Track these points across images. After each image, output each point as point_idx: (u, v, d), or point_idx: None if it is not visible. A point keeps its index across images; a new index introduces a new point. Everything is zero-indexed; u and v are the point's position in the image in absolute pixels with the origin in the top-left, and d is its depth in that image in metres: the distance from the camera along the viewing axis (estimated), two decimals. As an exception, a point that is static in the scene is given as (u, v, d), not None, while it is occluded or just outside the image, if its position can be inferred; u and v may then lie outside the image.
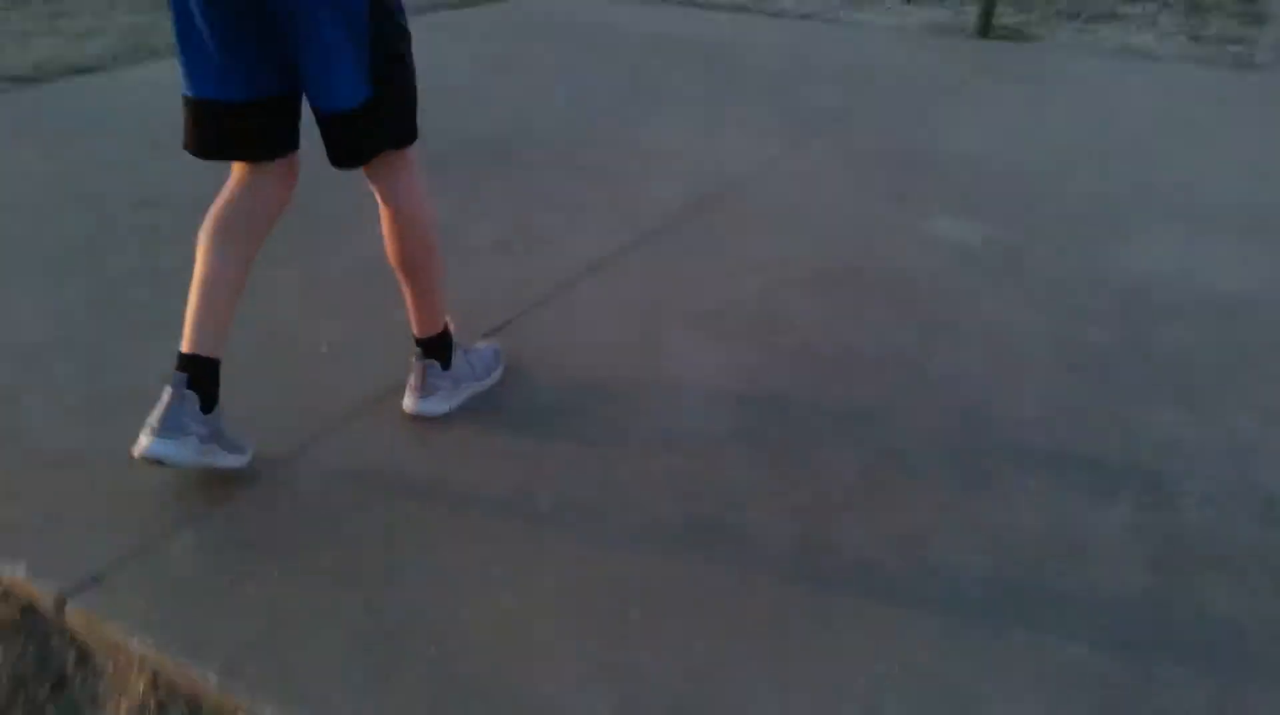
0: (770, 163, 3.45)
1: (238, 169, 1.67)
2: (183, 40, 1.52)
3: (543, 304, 2.35)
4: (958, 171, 3.41)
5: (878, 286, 2.50)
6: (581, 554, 1.49)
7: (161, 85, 4.19)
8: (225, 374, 1.62)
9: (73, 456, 1.70)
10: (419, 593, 1.40)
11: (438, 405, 1.90)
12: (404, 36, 1.62)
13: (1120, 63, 5.25)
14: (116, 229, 2.73)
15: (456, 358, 1.93)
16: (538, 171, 3.29)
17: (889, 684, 1.25)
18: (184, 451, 1.56)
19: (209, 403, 1.61)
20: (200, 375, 1.60)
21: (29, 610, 1.38)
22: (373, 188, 1.72)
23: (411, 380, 1.90)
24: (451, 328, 1.94)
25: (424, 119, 1.68)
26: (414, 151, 1.70)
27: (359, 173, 1.68)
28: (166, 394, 1.57)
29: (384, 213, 1.73)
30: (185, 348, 1.61)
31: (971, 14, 6.09)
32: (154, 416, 1.55)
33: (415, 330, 1.89)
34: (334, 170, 1.63)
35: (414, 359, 1.90)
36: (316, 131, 1.59)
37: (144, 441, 1.54)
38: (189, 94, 1.56)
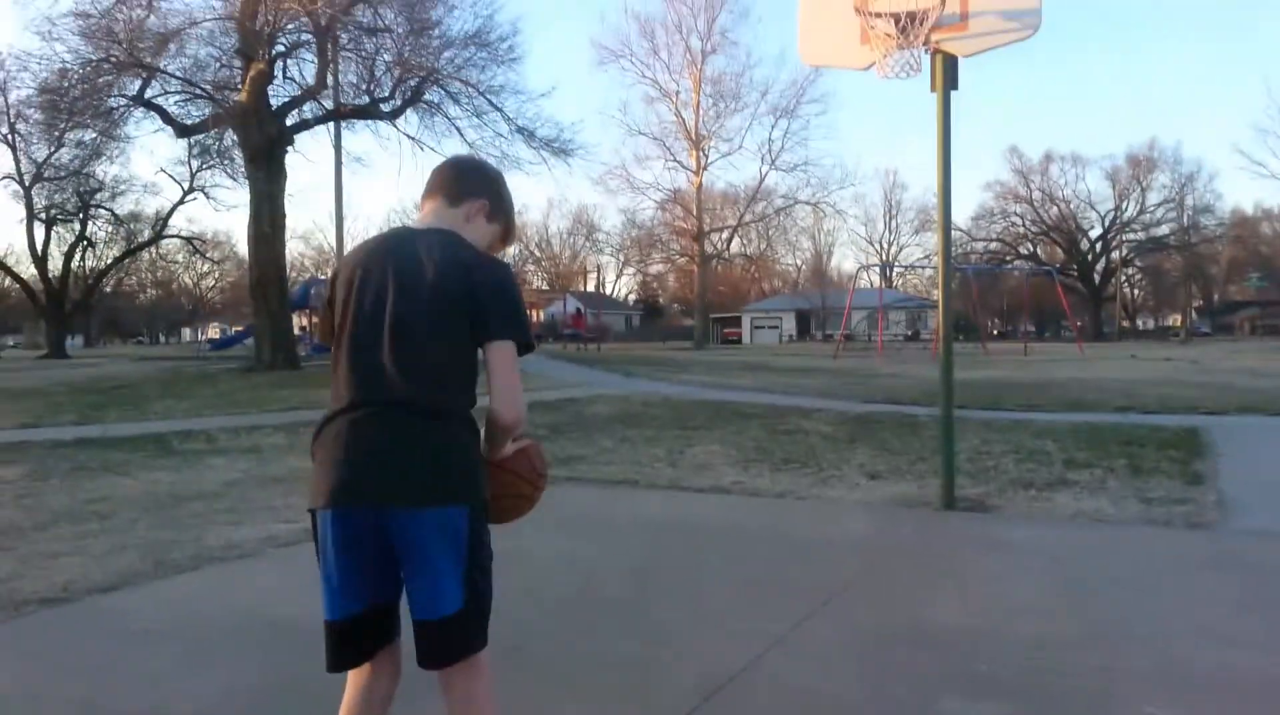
0: (777, 640, 3.55)
1: (354, 677, 2.06)
2: (324, 574, 2.01)
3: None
4: (952, 646, 3.52)
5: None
6: None
7: (179, 601, 4.35)
8: None
9: None
10: None
11: None
12: (490, 555, 2.06)
13: (1080, 529, 5.62)
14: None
15: None
16: (546, 664, 3.36)
17: None
18: None
19: None
20: None
21: None
22: (446, 694, 2.03)
23: None
24: None
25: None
26: (486, 656, 2.04)
27: None
28: None
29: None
30: None
31: (933, 487, 6.60)
32: None
33: None
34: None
35: None
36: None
37: None
38: (329, 618, 2.01)
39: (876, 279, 57.77)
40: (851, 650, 3.55)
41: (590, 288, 71.28)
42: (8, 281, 56.47)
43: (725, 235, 52.78)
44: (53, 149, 34.80)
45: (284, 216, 22.62)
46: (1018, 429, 9.96)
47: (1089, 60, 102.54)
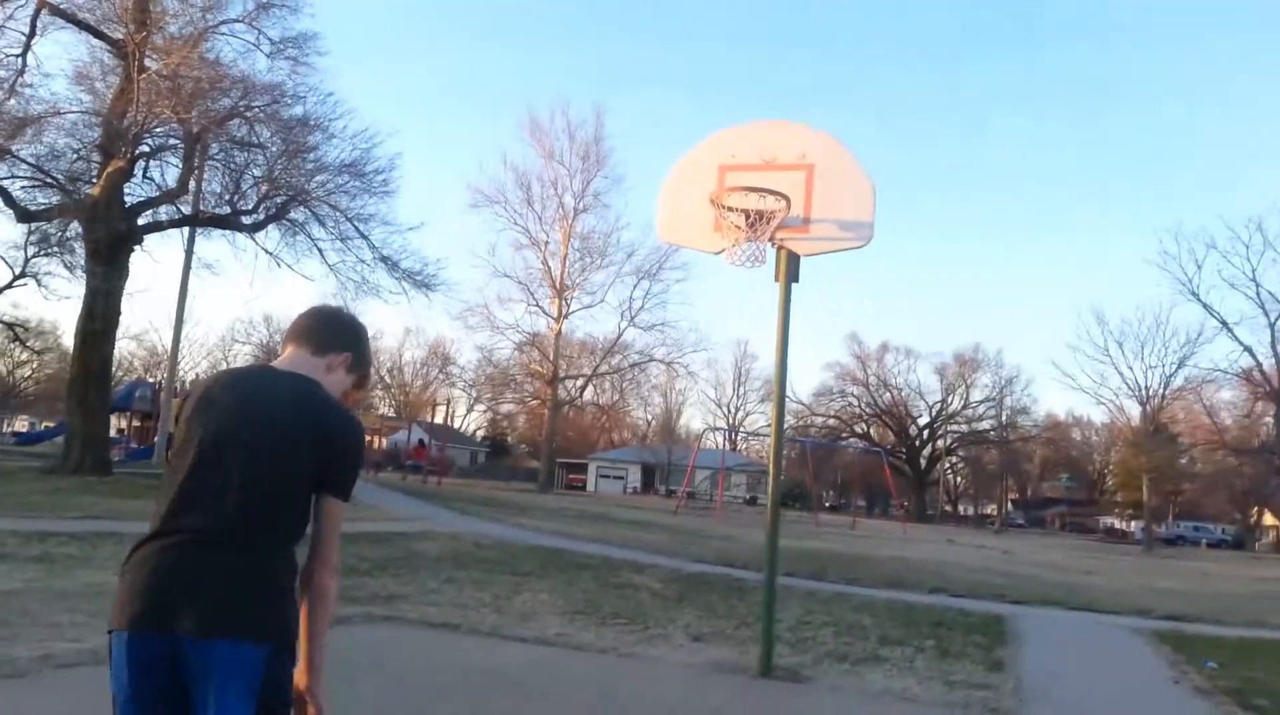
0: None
1: None
2: (115, 700, 1.95)
3: None
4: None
5: None
6: None
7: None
8: None
9: None
10: None
11: None
12: (287, 702, 2.04)
13: (885, 706, 5.79)
14: None
15: None
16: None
17: None
18: None
19: None
20: None
21: None
22: None
23: None
24: None
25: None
26: None
27: None
28: None
29: None
30: None
31: (753, 653, 6.69)
32: None
33: None
34: None
35: None
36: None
37: None
38: None
39: (721, 441, 59.31)
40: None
41: (439, 420, 70.05)
42: None
43: (580, 383, 53.29)
44: None
45: (119, 315, 21.57)
46: (839, 601, 10.25)
47: (925, 262, 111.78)
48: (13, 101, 19.71)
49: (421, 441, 45.64)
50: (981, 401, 70.68)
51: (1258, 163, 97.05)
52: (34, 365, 70.67)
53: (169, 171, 22.92)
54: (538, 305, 45.95)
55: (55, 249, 30.22)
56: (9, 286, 40.41)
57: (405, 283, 24.53)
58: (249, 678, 1.92)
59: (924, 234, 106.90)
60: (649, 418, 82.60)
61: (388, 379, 76.64)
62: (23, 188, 21.68)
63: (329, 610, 2.13)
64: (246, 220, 22.91)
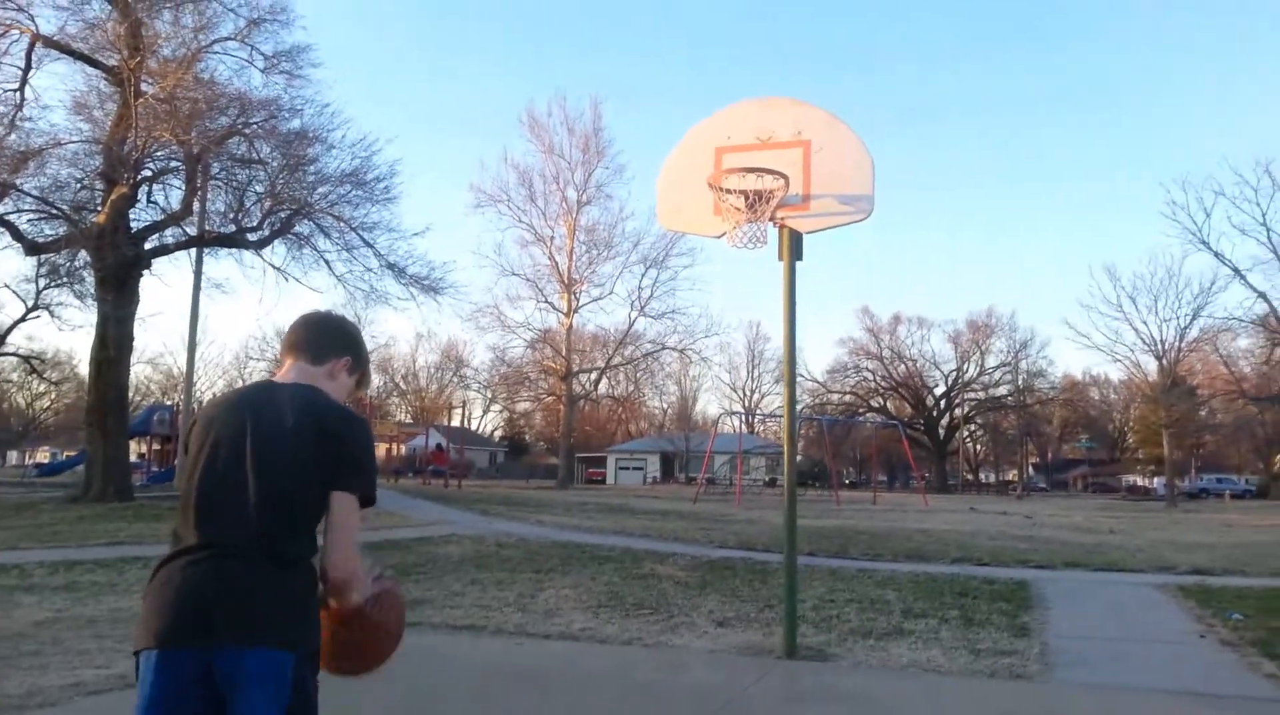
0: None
1: None
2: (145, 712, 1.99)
3: None
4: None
5: None
6: None
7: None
8: None
9: None
10: None
11: None
12: (315, 708, 2.09)
13: (913, 681, 5.81)
14: None
15: None
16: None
17: None
18: None
19: None
20: None
21: None
22: None
23: None
24: None
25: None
26: None
27: None
28: None
29: None
30: None
31: (778, 635, 6.72)
32: None
33: None
34: None
35: None
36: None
37: None
38: None
39: (738, 425, 59.30)
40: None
41: (456, 422, 70.32)
42: None
43: (594, 376, 53.39)
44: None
45: (132, 340, 21.73)
46: (862, 578, 10.28)
47: (934, 229, 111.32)
48: (13, 136, 19.85)
49: (439, 446, 45.83)
50: (997, 367, 70.49)
51: (1264, 105, 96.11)
52: (52, 396, 71.28)
53: (172, 194, 23.06)
54: (547, 301, 46.07)
55: (65, 279, 30.38)
56: (23, 319, 40.76)
57: (413, 288, 24.60)
58: (279, 684, 1.99)
59: (929, 201, 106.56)
60: (665, 407, 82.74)
61: (403, 386, 76.97)
62: (29, 221, 21.82)
63: (349, 603, 2.17)
64: (252, 237, 22.99)
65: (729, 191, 6.69)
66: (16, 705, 4.63)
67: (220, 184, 23.16)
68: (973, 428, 75.04)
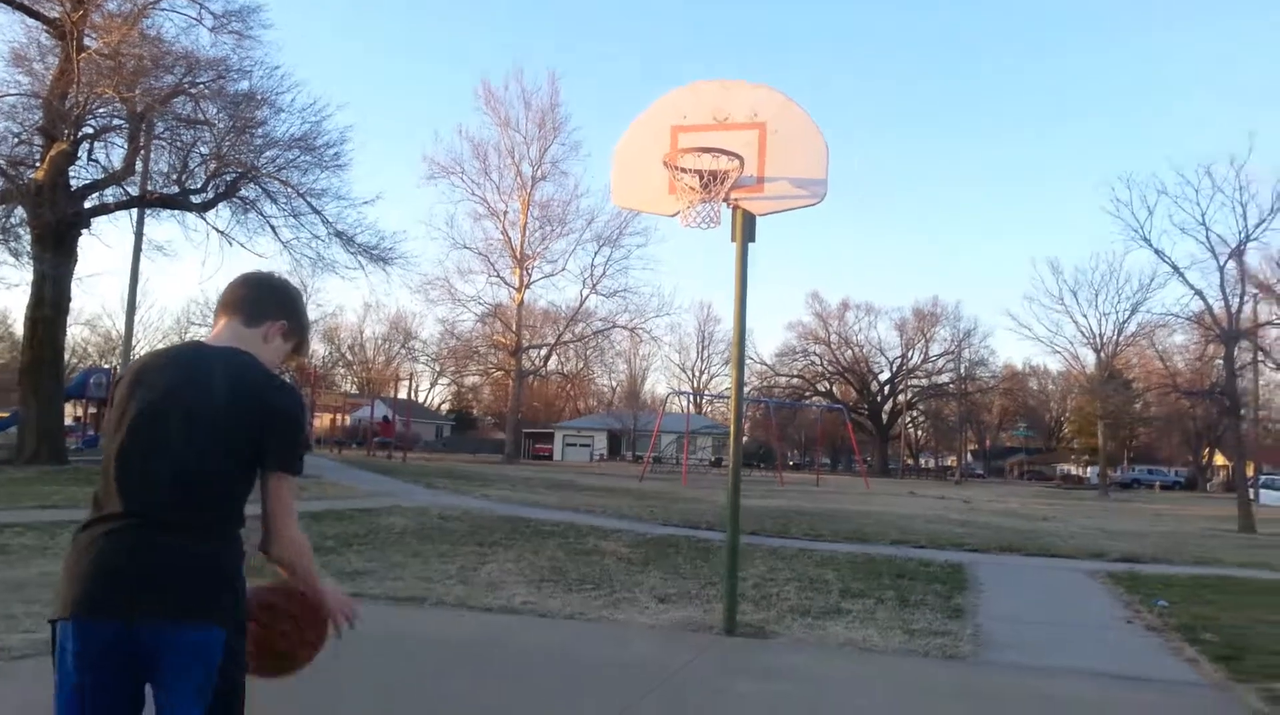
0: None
1: None
2: (59, 689, 1.92)
3: None
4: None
5: None
6: None
7: None
8: None
9: None
10: None
11: None
12: (242, 684, 2.06)
13: (847, 658, 5.92)
14: None
15: None
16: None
17: None
18: None
19: None
20: None
21: None
22: None
23: None
24: None
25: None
26: None
27: None
28: None
29: None
30: None
31: (718, 612, 6.80)
32: None
33: None
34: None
35: None
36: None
37: None
38: None
39: (686, 405, 59.54)
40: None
41: (403, 395, 69.62)
42: None
43: (543, 352, 53.22)
44: None
45: (69, 300, 21.10)
46: (802, 557, 10.42)
47: (883, 219, 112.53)
48: (-53, 89, 19.09)
49: (386, 417, 45.35)
50: (941, 355, 71.63)
51: (1211, 106, 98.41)
52: (-16, 355, 69.08)
53: (114, 152, 22.33)
54: (499, 276, 45.72)
55: (0, 236, 29.42)
56: (-47, 275, 39.45)
57: (362, 258, 24.21)
58: (210, 660, 1.93)
59: (881, 189, 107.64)
60: (614, 385, 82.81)
61: (349, 356, 75.95)
62: (-38, 175, 21.05)
63: (302, 573, 2.14)
64: (196, 199, 22.41)
65: (684, 171, 6.68)
66: (-62, 670, 4.51)
67: (164, 144, 22.50)
68: (915, 414, 76.26)
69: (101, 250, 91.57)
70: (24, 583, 6.87)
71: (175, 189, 22.36)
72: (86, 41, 18.93)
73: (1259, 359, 30.08)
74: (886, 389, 74.01)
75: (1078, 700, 5.17)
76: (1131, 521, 21.21)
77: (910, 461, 77.71)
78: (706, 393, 73.82)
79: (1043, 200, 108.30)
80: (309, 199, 22.94)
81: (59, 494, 13.69)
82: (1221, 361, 24.99)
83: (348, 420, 54.44)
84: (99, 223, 22.34)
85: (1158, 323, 44.86)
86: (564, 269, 46.81)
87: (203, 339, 2.28)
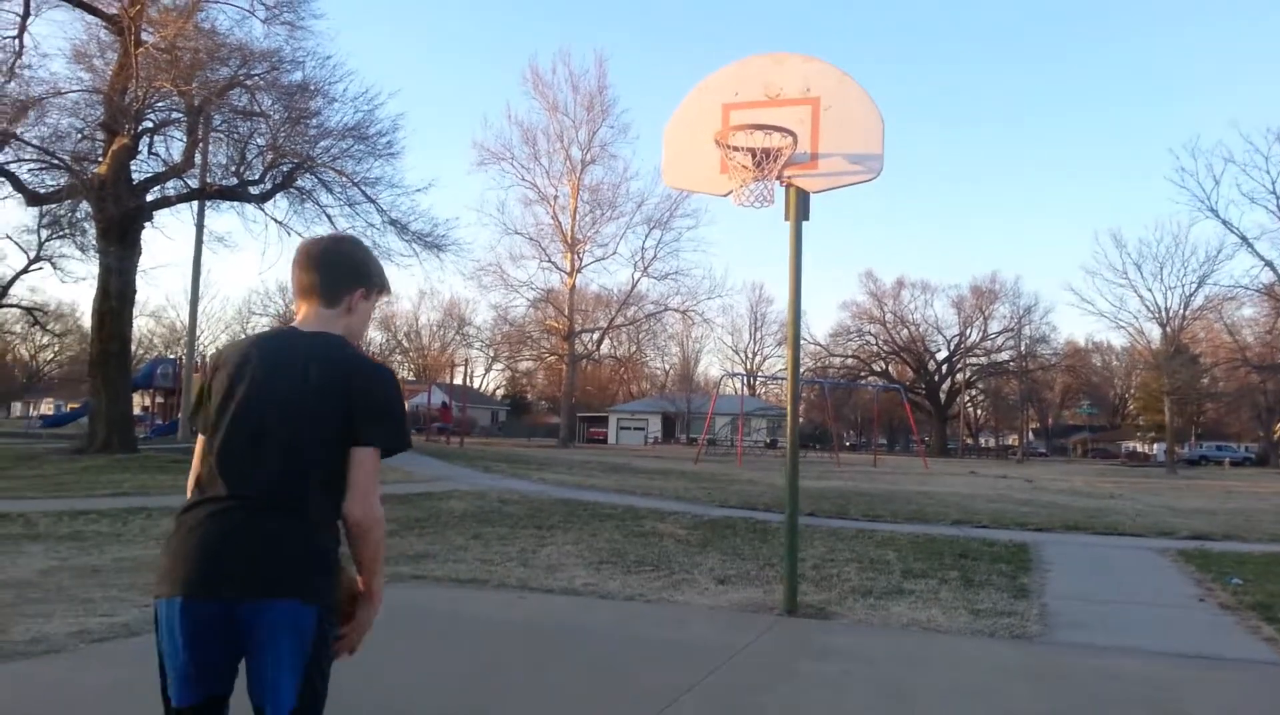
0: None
1: None
2: (168, 663, 2.03)
3: None
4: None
5: None
6: None
7: None
8: None
9: None
10: None
11: None
12: (330, 660, 2.11)
13: (911, 638, 5.85)
14: None
15: None
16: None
17: None
18: None
19: None
20: None
21: None
22: None
23: None
24: None
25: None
26: None
27: None
28: None
29: None
30: None
31: (778, 593, 6.76)
32: None
33: None
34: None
35: None
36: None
37: None
38: (174, 704, 2.03)
39: (740, 386, 59.30)
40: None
41: (458, 381, 70.38)
42: None
43: (596, 336, 53.36)
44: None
45: (134, 292, 21.65)
46: (862, 538, 10.32)
47: (940, 195, 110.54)
48: (13, 84, 19.61)
49: (444, 403, 45.90)
50: (1000, 332, 70.30)
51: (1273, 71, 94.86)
52: (55, 348, 71.36)
53: (174, 146, 22.82)
54: (550, 261, 45.90)
55: (67, 231, 30.30)
56: (25, 271, 40.79)
57: (416, 245, 24.46)
58: (302, 637, 2.01)
59: (936, 164, 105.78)
60: (667, 367, 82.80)
61: (405, 343, 76.96)
62: (30, 171, 21.63)
63: (372, 547, 2.16)
64: (254, 190, 22.83)
65: (736, 149, 6.60)
66: (23, 652, 4.66)
67: (222, 136, 22.93)
68: (974, 392, 75.07)
69: (164, 243, 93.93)
70: (100, 568, 7.08)
71: (234, 181, 22.78)
72: (144, 36, 19.34)
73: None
74: (944, 368, 72.88)
75: (1149, 679, 5.04)
76: (1201, 499, 20.65)
77: (970, 441, 76.56)
78: (760, 374, 73.38)
79: (1105, 170, 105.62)
80: (363, 188, 23.24)
81: (130, 481, 14.10)
82: (1294, 334, 24.15)
83: (406, 406, 55.21)
84: (161, 215, 22.91)
85: (1226, 295, 43.64)
86: (615, 253, 46.91)
87: (294, 324, 2.33)
